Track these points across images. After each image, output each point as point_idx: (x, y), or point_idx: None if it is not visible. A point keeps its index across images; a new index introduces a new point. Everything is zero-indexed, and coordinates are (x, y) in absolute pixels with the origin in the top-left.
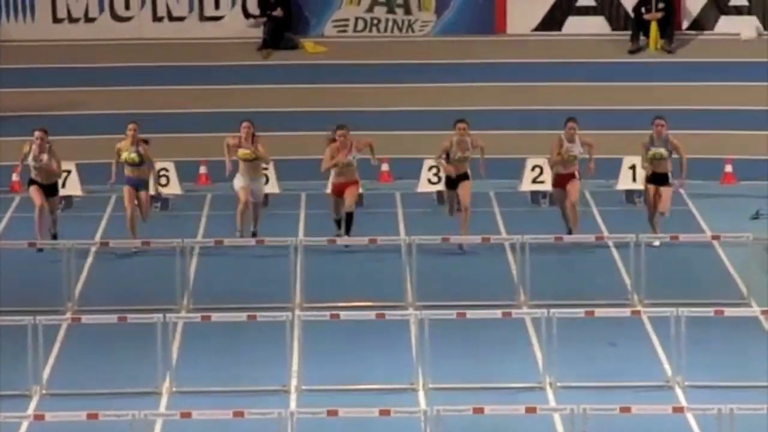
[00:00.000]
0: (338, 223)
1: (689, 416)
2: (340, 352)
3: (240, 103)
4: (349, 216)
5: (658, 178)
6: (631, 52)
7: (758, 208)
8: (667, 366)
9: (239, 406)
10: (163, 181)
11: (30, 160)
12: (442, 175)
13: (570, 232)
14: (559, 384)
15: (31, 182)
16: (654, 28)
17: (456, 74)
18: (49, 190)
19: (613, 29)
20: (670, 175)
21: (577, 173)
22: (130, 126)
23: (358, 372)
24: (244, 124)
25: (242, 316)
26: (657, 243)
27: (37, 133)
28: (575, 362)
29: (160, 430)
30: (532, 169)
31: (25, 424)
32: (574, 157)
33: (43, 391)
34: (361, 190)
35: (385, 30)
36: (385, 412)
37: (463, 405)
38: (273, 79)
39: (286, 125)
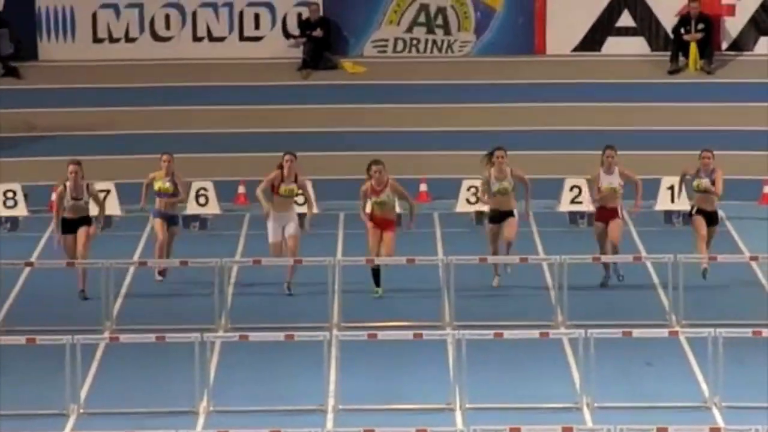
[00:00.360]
0: (375, 272)
1: None
2: (377, 371)
3: (280, 123)
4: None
5: (706, 216)
6: (671, 72)
7: None
8: (704, 386)
9: (276, 425)
10: (201, 200)
11: (67, 199)
12: (485, 209)
13: (605, 282)
14: (596, 404)
15: (63, 225)
16: (693, 48)
17: (496, 95)
18: (81, 222)
19: (653, 50)
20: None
21: (619, 209)
22: (164, 157)
23: (396, 391)
24: (287, 157)
25: (280, 336)
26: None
27: (71, 167)
28: (612, 382)
29: None
30: (571, 189)
31: None
32: (613, 190)
33: (81, 410)
34: (399, 211)
35: (425, 50)
36: None
37: (500, 425)
38: (313, 100)
39: (326, 145)
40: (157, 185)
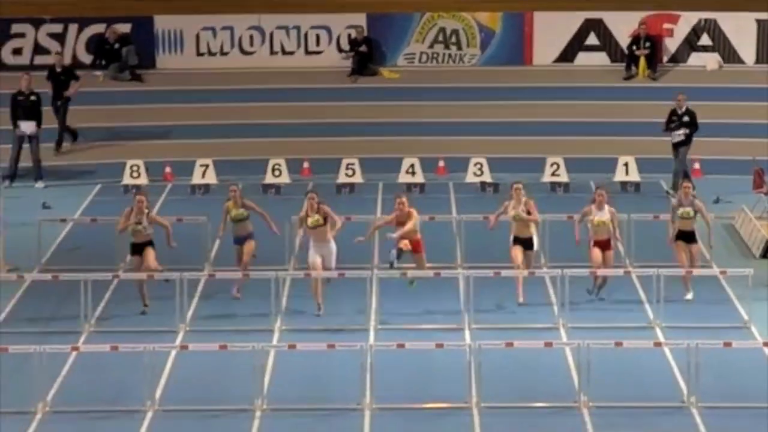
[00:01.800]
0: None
1: (666, 350)
2: (410, 304)
3: (335, 115)
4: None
5: (685, 236)
6: (626, 78)
7: (718, 195)
8: (650, 312)
9: (227, 341)
10: (276, 173)
11: (132, 224)
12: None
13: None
14: (569, 325)
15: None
16: (642, 61)
17: (495, 95)
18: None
19: (612, 62)
20: (696, 233)
21: (612, 241)
22: (232, 188)
23: (422, 317)
24: (310, 195)
25: (238, 273)
26: (690, 296)
27: (138, 197)
28: (582, 310)
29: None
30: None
31: (73, 355)
32: (603, 223)
33: (91, 329)
34: (423, 180)
35: (443, 61)
36: (440, 345)
37: (498, 341)
38: (359, 98)
39: (370, 132)
40: (232, 214)
